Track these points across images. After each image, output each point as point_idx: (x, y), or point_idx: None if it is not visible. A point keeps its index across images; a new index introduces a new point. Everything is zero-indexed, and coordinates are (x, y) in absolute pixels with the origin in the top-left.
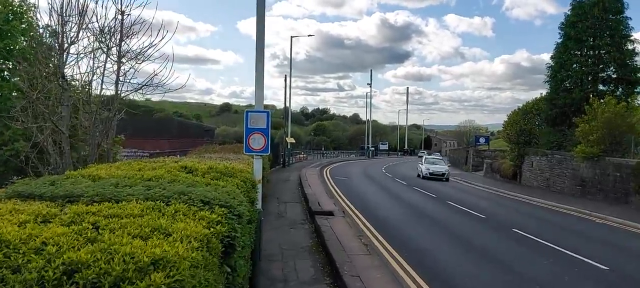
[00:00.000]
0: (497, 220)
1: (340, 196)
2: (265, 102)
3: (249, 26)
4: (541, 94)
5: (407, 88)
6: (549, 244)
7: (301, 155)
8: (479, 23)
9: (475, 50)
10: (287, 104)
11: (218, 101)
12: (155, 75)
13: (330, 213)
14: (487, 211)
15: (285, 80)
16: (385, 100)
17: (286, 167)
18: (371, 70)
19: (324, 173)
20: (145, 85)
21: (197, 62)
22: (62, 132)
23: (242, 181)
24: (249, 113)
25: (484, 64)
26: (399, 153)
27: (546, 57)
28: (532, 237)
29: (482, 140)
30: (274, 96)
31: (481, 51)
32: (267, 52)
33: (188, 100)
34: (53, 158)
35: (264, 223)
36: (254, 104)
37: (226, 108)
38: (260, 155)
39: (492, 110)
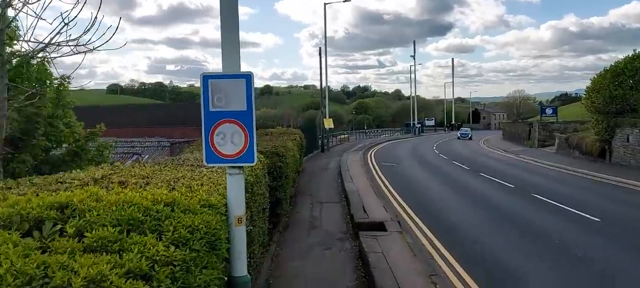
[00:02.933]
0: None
1: (390, 192)
2: (304, 82)
3: (286, 6)
4: (635, 50)
5: (452, 59)
6: None
7: (342, 136)
8: None
9: (520, 17)
10: (324, 82)
11: (259, 84)
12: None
13: (381, 227)
14: (606, 215)
15: (320, 53)
16: (427, 74)
17: (325, 151)
18: (414, 42)
19: (368, 157)
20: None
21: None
22: None
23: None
24: (209, 78)
25: (530, 32)
26: (446, 129)
27: (596, 20)
28: None
29: (549, 111)
30: (314, 76)
31: (526, 18)
32: (305, 32)
33: None
34: None
35: (290, 240)
36: (294, 84)
37: (267, 90)
38: (240, 169)
39: (539, 79)
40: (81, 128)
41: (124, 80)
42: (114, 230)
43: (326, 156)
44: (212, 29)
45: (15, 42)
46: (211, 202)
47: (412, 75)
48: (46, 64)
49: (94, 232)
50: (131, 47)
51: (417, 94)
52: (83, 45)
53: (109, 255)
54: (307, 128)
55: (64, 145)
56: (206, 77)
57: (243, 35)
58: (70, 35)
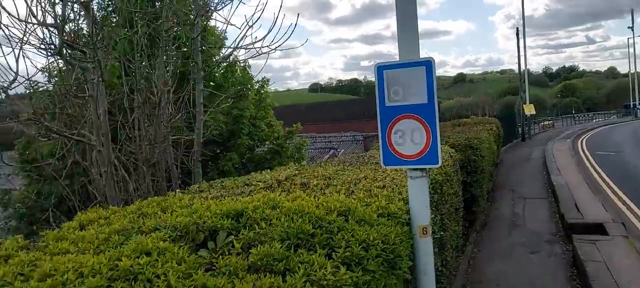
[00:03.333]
0: None
1: (610, 187)
2: (500, 67)
3: None
4: None
5: None
6: None
7: (546, 123)
8: None
9: None
10: (522, 65)
11: (452, 72)
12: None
13: (600, 229)
14: None
15: (517, 35)
16: None
17: (525, 140)
18: (632, 11)
19: (578, 146)
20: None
21: (428, 36)
22: (90, 143)
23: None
24: (384, 69)
25: None
26: None
27: None
28: None
29: None
30: (510, 60)
31: None
32: (500, 14)
33: None
34: (102, 190)
35: (488, 240)
36: (489, 69)
37: (460, 78)
38: (423, 171)
39: None
40: (281, 127)
41: (324, 78)
42: (280, 246)
43: (527, 145)
44: None
45: (215, 49)
46: (390, 211)
47: (631, 50)
48: (247, 68)
49: (260, 247)
50: (329, 47)
51: (637, 70)
52: (267, 46)
53: (273, 276)
54: (505, 115)
55: (266, 144)
56: (380, 68)
57: (433, 25)
58: (255, 37)
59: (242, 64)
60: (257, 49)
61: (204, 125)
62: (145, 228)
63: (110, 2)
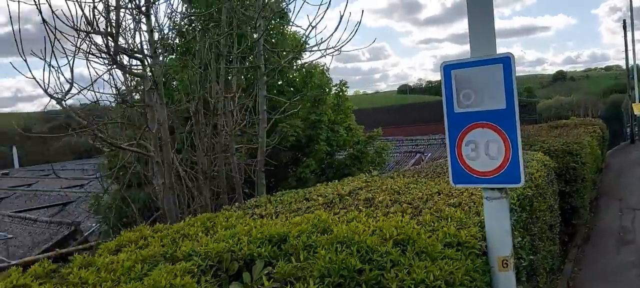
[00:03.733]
0: None
1: None
2: (605, 63)
3: None
4: None
5: None
6: None
7: None
8: None
9: None
10: (630, 60)
11: (550, 70)
12: None
13: None
14: None
15: (624, 27)
16: None
17: (634, 142)
18: None
19: None
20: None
21: (524, 33)
22: (148, 154)
23: None
24: (452, 69)
25: None
26: None
27: None
28: None
29: None
30: (617, 55)
31: None
32: (604, 6)
33: (518, 74)
34: (163, 203)
35: (591, 257)
36: (592, 66)
37: (560, 76)
38: (502, 192)
39: None
40: (361, 131)
41: (413, 80)
42: (318, 286)
43: (637, 148)
44: (496, 19)
45: (296, 52)
46: (461, 239)
47: None
48: (325, 71)
49: (296, 286)
50: (418, 48)
51: None
52: (332, 47)
53: None
54: (610, 115)
55: (347, 149)
56: (448, 67)
57: (529, 21)
58: (321, 39)
59: (320, 67)
60: (322, 51)
61: (280, 133)
62: (179, 253)
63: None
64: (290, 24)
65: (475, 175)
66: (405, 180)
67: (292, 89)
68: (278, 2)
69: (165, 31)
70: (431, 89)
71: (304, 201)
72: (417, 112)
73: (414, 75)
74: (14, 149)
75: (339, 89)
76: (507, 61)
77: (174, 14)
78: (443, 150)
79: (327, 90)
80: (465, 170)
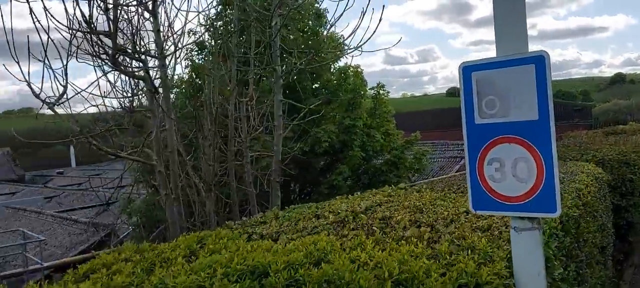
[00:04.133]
0: None
1: None
2: None
3: None
4: None
5: None
6: None
7: None
8: None
9: None
10: None
11: (608, 73)
12: None
13: None
14: None
15: None
16: None
17: None
18: None
19: None
20: None
21: (581, 34)
22: (151, 163)
23: None
24: (473, 71)
25: None
26: None
27: None
28: None
29: None
30: None
31: None
32: None
33: (573, 77)
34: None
35: None
36: None
37: (618, 79)
38: (534, 222)
39: None
40: (400, 136)
41: None
42: None
43: None
44: (550, 20)
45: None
46: (480, 279)
47: None
48: (359, 73)
49: None
50: (468, 50)
51: None
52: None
53: None
54: None
55: (384, 154)
56: (467, 69)
57: (586, 21)
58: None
59: (353, 69)
60: (346, 50)
61: (313, 138)
62: (147, 285)
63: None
64: (327, 25)
65: (500, 201)
66: (432, 196)
67: (327, 91)
68: (311, 2)
69: (185, 30)
70: None
71: (314, 218)
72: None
73: None
74: (71, 149)
75: (376, 92)
76: (540, 61)
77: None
78: None
79: (363, 92)
80: (488, 194)
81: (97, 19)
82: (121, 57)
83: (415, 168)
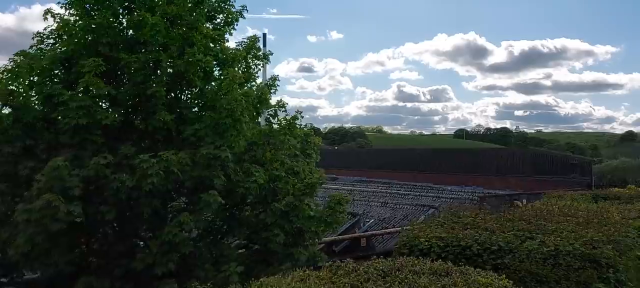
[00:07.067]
0: None
1: None
2: None
3: None
4: None
5: None
6: None
7: None
8: None
9: None
10: None
11: (619, 130)
12: None
13: None
14: None
15: None
16: None
17: None
18: None
19: None
20: None
21: (595, 88)
22: None
23: None
24: None
25: None
26: None
27: None
28: None
29: None
30: None
31: None
32: None
33: (585, 130)
34: None
35: None
36: None
37: (628, 137)
38: None
39: None
40: (321, 175)
41: (472, 125)
42: None
43: None
44: (565, 72)
45: None
46: None
47: None
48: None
49: None
50: (480, 94)
51: None
52: None
53: None
54: None
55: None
56: None
57: (601, 76)
58: None
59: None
60: None
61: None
62: None
63: None
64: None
65: None
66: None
67: (199, 103)
68: None
69: None
70: (490, 135)
71: None
72: (460, 156)
73: (474, 121)
74: None
75: (288, 121)
76: None
77: None
78: (469, 204)
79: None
80: None
81: None
82: None
83: (326, 222)
